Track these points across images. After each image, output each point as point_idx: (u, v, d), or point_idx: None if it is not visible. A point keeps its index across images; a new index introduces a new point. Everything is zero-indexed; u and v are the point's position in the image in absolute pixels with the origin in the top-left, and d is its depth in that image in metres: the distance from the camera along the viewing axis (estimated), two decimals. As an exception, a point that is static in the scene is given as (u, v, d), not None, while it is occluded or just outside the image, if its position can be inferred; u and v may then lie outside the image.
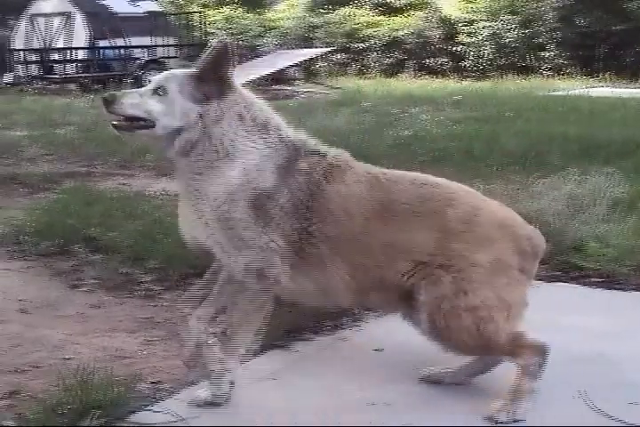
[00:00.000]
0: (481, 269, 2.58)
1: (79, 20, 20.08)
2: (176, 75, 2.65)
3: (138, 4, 21.24)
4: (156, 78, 2.66)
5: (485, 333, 2.58)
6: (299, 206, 2.58)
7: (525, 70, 21.94)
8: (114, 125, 2.65)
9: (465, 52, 23.96)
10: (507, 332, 2.60)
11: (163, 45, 20.75)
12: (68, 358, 3.02)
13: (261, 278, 2.58)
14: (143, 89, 2.66)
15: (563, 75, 21.72)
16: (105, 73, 19.56)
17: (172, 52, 21.19)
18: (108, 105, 2.61)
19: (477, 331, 2.57)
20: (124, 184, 6.81)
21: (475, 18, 24.13)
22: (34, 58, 20.20)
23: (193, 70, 2.64)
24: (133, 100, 2.60)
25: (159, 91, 2.59)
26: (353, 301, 2.76)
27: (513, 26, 23.36)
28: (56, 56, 20.06)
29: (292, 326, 3.23)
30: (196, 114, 2.56)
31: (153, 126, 2.59)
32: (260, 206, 2.55)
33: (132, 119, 2.61)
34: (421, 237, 2.59)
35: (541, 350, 2.62)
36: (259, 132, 2.62)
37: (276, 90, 17.22)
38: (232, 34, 26.88)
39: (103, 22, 19.84)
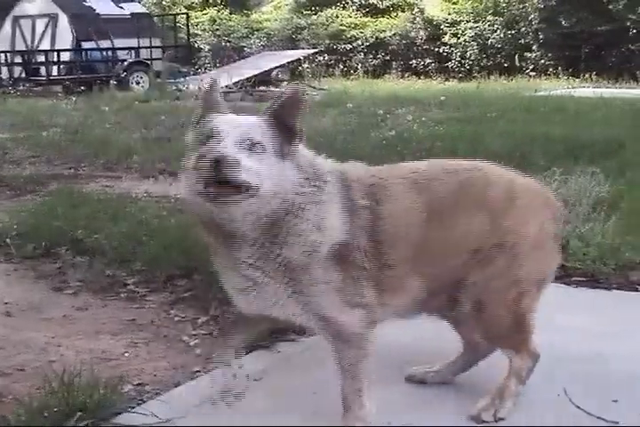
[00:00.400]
0: (529, 240, 2.55)
1: (64, 21, 20.01)
2: (263, 125, 2.22)
3: (122, 5, 21.19)
4: (244, 130, 2.17)
5: (521, 308, 2.57)
6: (373, 243, 2.39)
7: (510, 71, 22.05)
8: (208, 196, 2.10)
9: (450, 52, 24.05)
10: (533, 310, 2.60)
11: (148, 47, 20.70)
12: (52, 361, 3.02)
13: (366, 337, 2.39)
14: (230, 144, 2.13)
15: (547, 75, 21.83)
16: (90, 75, 19.51)
17: (157, 53, 21.13)
18: (224, 168, 2.05)
19: (517, 306, 2.55)
20: (109, 186, 6.80)
21: (459, 19, 24.22)
22: (18, 60, 20.13)
23: (267, 118, 2.25)
24: (247, 163, 2.09)
25: (255, 147, 2.16)
26: (420, 310, 2.65)
27: (497, 27, 23.47)
28: (41, 58, 19.98)
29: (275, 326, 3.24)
30: (287, 174, 2.21)
31: (255, 194, 2.13)
32: (345, 259, 2.33)
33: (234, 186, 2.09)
34: (473, 225, 2.51)
35: (535, 357, 2.65)
36: (311, 176, 2.29)
37: (261, 91, 17.22)
38: (217, 35, 26.90)
39: (88, 24, 19.78)
